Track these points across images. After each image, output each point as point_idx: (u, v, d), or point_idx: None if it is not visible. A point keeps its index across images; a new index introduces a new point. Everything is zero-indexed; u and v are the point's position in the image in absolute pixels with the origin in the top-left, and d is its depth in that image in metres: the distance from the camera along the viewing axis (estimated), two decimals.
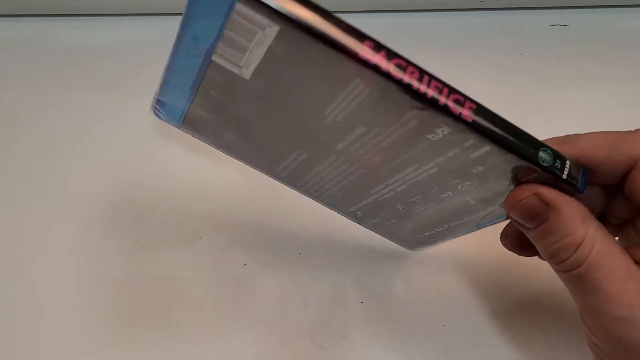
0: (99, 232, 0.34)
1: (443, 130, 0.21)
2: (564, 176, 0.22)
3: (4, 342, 0.29)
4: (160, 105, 0.25)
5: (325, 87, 0.21)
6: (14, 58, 0.46)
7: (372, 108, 0.21)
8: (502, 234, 0.27)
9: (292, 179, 0.28)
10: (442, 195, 0.25)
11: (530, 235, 0.23)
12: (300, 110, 0.23)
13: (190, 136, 0.27)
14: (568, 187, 0.23)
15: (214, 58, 0.21)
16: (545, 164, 0.22)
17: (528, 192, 0.22)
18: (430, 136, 0.22)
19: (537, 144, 0.22)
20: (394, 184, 0.26)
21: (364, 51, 0.19)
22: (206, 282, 0.32)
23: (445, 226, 0.28)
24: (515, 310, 0.30)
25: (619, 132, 0.23)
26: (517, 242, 0.26)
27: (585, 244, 0.22)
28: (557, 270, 0.23)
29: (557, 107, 0.40)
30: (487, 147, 0.21)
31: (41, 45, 0.46)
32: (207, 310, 0.31)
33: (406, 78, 0.20)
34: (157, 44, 0.46)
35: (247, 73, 0.21)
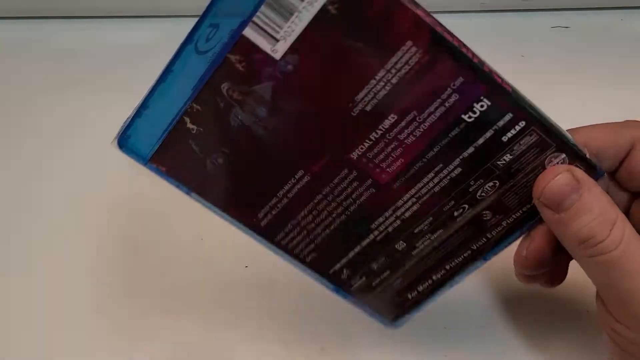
0: (100, 234, 0.34)
1: (482, 105, 0.21)
2: (587, 155, 0.23)
3: (5, 345, 0.29)
4: (133, 128, 0.23)
5: (371, 56, 0.20)
6: (14, 60, 0.46)
7: (414, 82, 0.20)
8: (517, 252, 0.25)
9: (274, 227, 0.25)
10: (455, 213, 0.24)
11: (560, 222, 0.22)
12: (326, 100, 0.21)
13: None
14: (590, 170, 0.23)
15: (247, 31, 0.20)
16: (572, 143, 0.22)
17: (562, 169, 0.22)
18: (466, 116, 0.21)
19: (559, 127, 0.22)
20: (404, 206, 0.24)
21: (420, 10, 0.19)
22: (207, 284, 0.32)
23: (447, 267, 0.26)
24: (517, 312, 0.30)
25: (611, 122, 0.24)
26: (536, 257, 0.24)
27: (619, 224, 0.21)
28: (589, 257, 0.22)
29: (558, 109, 0.40)
30: (523, 123, 0.21)
31: (41, 47, 0.46)
32: (207, 312, 0.31)
33: (455, 42, 0.20)
34: (158, 46, 0.46)
35: (281, 49, 0.20)
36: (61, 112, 0.41)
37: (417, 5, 0.19)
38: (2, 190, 0.37)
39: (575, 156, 0.22)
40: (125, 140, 0.23)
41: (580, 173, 0.22)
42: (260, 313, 0.31)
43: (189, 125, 0.22)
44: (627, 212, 0.25)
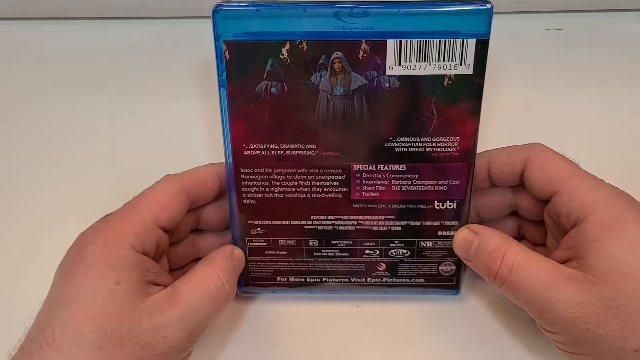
0: None
1: (451, 205, 0.28)
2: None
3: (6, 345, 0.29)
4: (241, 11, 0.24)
5: (427, 123, 0.26)
6: (9, 61, 0.46)
7: (437, 160, 0.27)
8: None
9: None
10: (367, 251, 0.30)
11: (472, 266, 0.27)
12: (383, 123, 0.26)
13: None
14: None
15: (390, 42, 0.24)
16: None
17: (462, 229, 0.28)
18: (437, 204, 0.28)
19: None
20: (346, 220, 0.29)
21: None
22: None
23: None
24: (511, 314, 0.30)
25: (512, 145, 0.28)
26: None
27: (508, 253, 0.25)
28: (499, 287, 0.26)
29: (551, 111, 0.40)
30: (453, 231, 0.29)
31: (37, 48, 0.46)
32: None
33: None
34: (152, 48, 0.46)
35: (395, 71, 0.25)
36: (57, 114, 0.41)
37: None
38: None
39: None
40: (222, 15, 0.24)
41: (475, 226, 0.27)
42: (253, 314, 0.31)
43: (283, 52, 0.25)
44: (547, 242, 0.29)
